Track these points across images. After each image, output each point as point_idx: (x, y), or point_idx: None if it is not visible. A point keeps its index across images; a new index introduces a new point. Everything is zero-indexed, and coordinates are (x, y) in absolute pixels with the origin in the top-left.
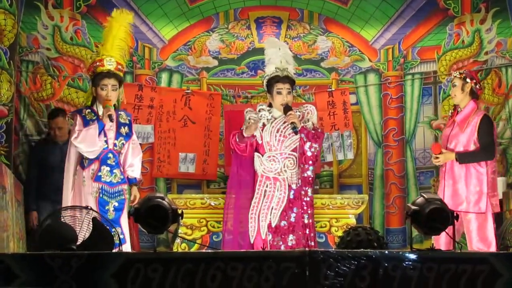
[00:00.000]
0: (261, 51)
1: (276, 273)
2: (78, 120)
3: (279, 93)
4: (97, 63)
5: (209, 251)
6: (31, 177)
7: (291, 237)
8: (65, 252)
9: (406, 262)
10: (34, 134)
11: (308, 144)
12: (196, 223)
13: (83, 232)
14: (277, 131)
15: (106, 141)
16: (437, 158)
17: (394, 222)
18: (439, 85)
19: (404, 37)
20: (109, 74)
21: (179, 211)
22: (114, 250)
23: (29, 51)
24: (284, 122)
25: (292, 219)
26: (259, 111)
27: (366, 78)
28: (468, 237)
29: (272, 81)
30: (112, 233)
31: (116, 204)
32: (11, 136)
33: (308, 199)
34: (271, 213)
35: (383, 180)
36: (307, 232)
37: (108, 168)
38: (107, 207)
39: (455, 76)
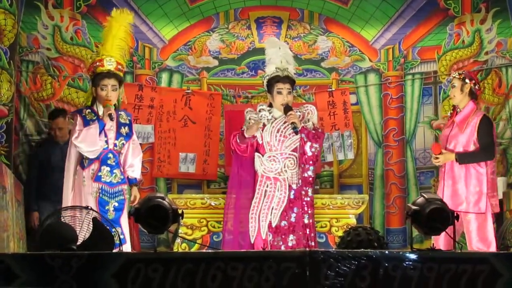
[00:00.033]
0: (261, 51)
1: (277, 273)
2: (79, 120)
3: (279, 93)
4: (97, 63)
5: (210, 251)
6: (32, 177)
7: (291, 237)
8: (66, 252)
9: (407, 262)
10: (34, 134)
11: (308, 144)
12: (196, 223)
13: (84, 232)
14: (278, 131)
15: (106, 141)
16: (437, 158)
17: (394, 222)
18: (439, 85)
19: (405, 37)
20: (109, 74)
21: (180, 211)
22: (114, 250)
23: (29, 51)
24: (285, 122)
25: (293, 219)
26: (259, 111)
27: (366, 78)
28: (467, 237)
29: (273, 81)
30: (113, 233)
31: (116, 204)
32: (11, 136)
33: (308, 199)
34: (271, 213)
35: (383, 180)
36: (308, 232)
37: (108, 168)
38: (107, 207)
39: (454, 77)
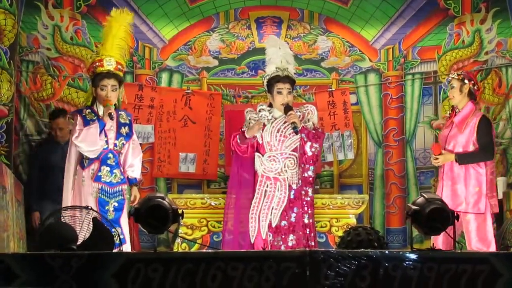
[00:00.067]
0: (261, 51)
1: (277, 273)
2: (79, 120)
3: (279, 93)
4: (97, 64)
5: (210, 251)
6: (33, 177)
7: (291, 237)
8: (66, 252)
9: (407, 262)
10: (34, 134)
11: (308, 144)
12: (196, 223)
13: (84, 232)
14: (278, 131)
15: (106, 141)
16: (436, 159)
17: (394, 222)
18: (439, 85)
19: (405, 37)
20: (109, 75)
21: (180, 211)
22: (114, 250)
23: (29, 51)
24: (285, 122)
25: (293, 219)
26: (260, 111)
27: (366, 78)
28: (467, 238)
29: (273, 81)
30: (113, 233)
31: (116, 204)
32: (11, 136)
33: (308, 199)
34: (271, 213)
35: (383, 180)
36: (308, 232)
37: (108, 168)
38: (107, 207)
39: (453, 77)
